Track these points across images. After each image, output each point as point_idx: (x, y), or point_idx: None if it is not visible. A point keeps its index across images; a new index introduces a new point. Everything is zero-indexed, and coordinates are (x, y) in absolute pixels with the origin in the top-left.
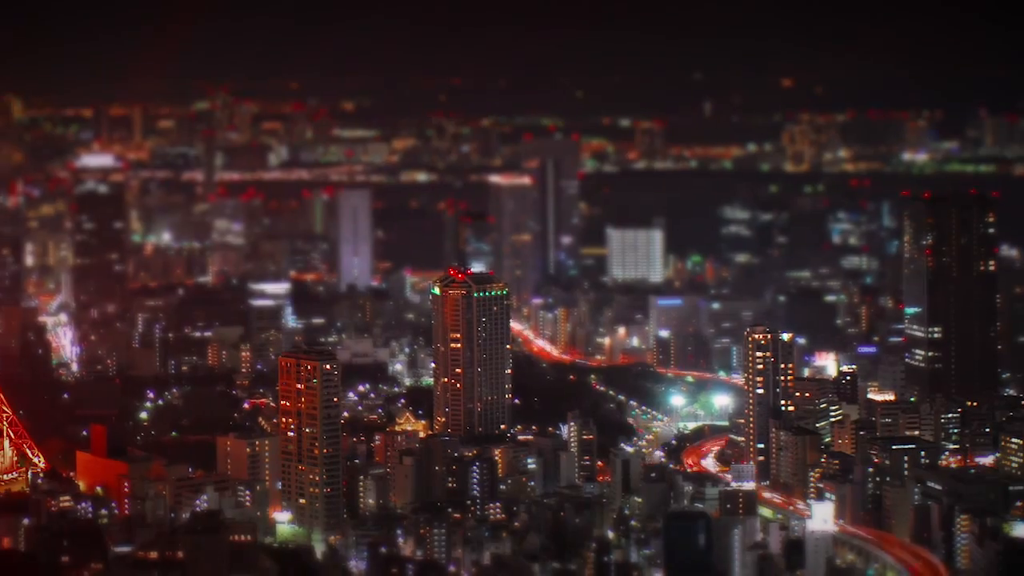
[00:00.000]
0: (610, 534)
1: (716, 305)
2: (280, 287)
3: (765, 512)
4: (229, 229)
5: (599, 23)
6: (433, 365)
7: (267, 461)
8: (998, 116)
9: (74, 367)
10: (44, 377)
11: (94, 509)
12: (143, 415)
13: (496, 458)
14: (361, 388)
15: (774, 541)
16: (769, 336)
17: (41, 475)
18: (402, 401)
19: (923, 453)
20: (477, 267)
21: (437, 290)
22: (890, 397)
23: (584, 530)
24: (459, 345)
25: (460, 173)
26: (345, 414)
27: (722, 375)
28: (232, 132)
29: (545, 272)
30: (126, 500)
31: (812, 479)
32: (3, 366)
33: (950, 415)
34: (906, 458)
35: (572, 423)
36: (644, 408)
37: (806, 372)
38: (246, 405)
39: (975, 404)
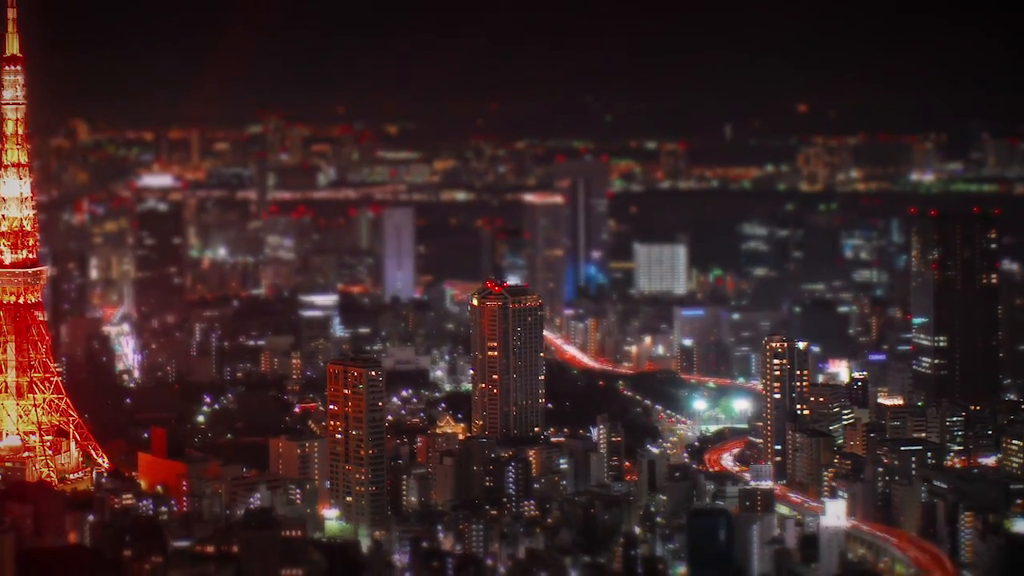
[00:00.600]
0: (637, 530)
1: (736, 316)
2: (328, 299)
3: (782, 509)
4: (281, 244)
5: (627, 53)
6: (471, 372)
7: (316, 461)
8: (1000, 139)
9: (136, 374)
10: (108, 383)
11: (155, 506)
12: (200, 418)
13: (530, 459)
14: (404, 393)
15: (790, 536)
16: (786, 344)
17: (105, 475)
18: (442, 405)
19: (930, 454)
20: (513, 280)
21: (475, 302)
22: (899, 402)
23: (613, 526)
24: (496, 353)
25: (497, 192)
26: (389, 417)
27: (741, 381)
28: (284, 154)
29: (576, 285)
30: (184, 498)
31: (826, 478)
32: (70, 373)
33: (955, 419)
34: (914, 459)
35: (601, 426)
36: (669, 412)
37: (820, 378)
38: (297, 409)
39: (978, 408)
